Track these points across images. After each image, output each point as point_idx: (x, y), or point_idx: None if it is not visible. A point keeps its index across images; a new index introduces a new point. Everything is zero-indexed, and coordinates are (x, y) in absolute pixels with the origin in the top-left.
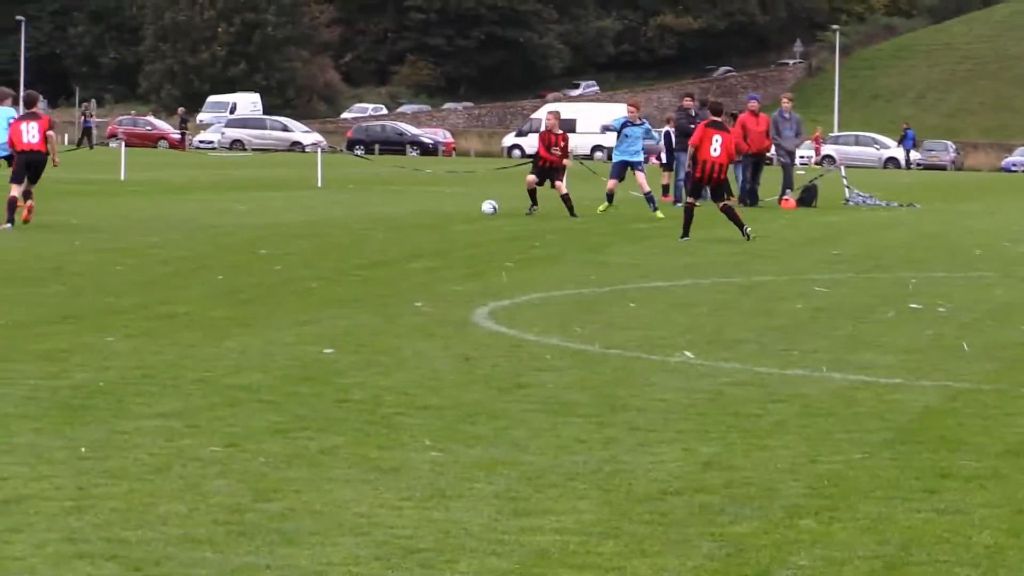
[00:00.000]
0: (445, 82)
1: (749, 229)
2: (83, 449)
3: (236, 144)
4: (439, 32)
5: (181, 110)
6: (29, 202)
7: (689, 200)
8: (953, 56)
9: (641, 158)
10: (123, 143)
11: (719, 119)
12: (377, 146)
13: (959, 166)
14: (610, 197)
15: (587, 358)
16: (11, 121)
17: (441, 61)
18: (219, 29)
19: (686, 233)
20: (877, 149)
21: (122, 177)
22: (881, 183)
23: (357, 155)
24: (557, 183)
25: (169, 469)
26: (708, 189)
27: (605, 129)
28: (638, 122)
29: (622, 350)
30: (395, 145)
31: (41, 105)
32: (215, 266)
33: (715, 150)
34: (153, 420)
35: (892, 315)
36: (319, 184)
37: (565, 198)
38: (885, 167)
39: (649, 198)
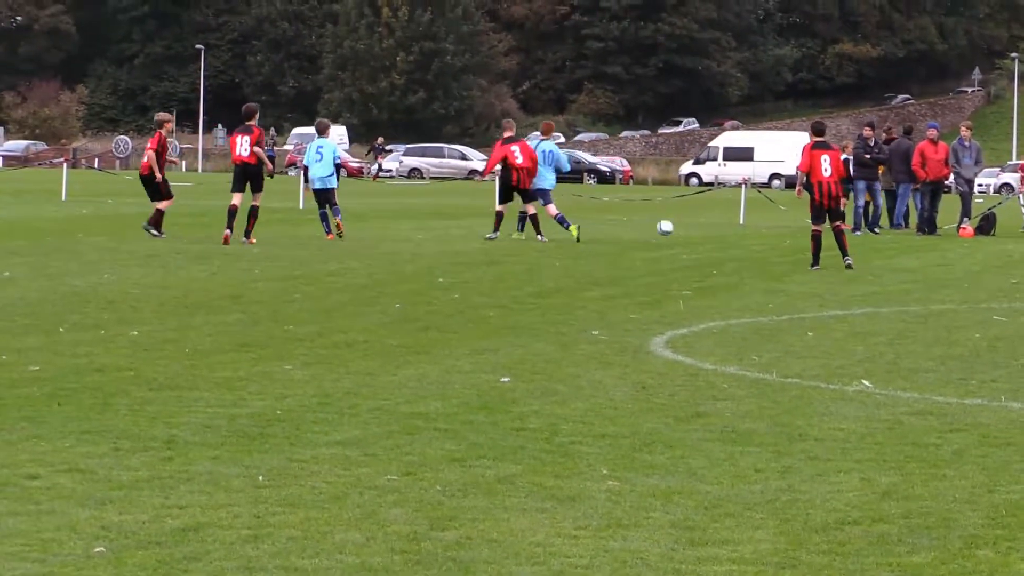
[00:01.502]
0: (623, 110)
1: (851, 260)
2: (260, 477)
3: (414, 172)
4: (617, 60)
5: (380, 140)
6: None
7: (815, 227)
8: None
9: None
10: (301, 171)
11: (824, 139)
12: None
13: None
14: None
15: (765, 387)
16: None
17: (619, 89)
18: (398, 58)
19: (816, 261)
20: None
21: (300, 206)
22: None
23: None
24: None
25: (346, 497)
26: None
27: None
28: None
29: (800, 379)
30: (572, 173)
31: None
32: (393, 294)
33: (826, 170)
34: (330, 448)
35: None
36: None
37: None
38: None
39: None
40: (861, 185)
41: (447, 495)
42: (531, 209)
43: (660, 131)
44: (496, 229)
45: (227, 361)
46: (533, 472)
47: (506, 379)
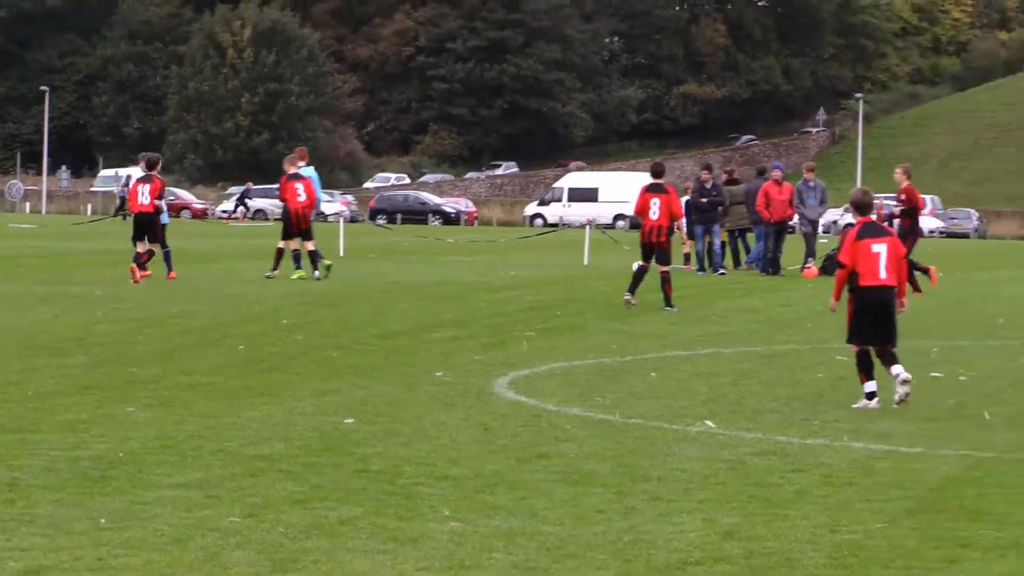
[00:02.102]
0: (468, 151)
1: (675, 310)
2: (102, 520)
3: (259, 214)
4: (462, 102)
5: (249, 184)
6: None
7: (642, 264)
8: (977, 124)
9: None
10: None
11: (660, 181)
12: (399, 215)
13: (982, 234)
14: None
15: (608, 428)
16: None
17: (464, 130)
18: (243, 99)
19: (631, 290)
20: None
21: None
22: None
23: (379, 225)
24: None
25: (188, 540)
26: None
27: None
28: None
29: (643, 419)
30: (417, 214)
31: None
32: (237, 335)
33: (654, 213)
34: (172, 490)
35: (913, 384)
36: (341, 253)
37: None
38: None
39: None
40: (699, 230)
41: (289, 537)
42: (309, 246)
43: (468, 175)
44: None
45: (70, 403)
46: (375, 514)
47: (349, 420)
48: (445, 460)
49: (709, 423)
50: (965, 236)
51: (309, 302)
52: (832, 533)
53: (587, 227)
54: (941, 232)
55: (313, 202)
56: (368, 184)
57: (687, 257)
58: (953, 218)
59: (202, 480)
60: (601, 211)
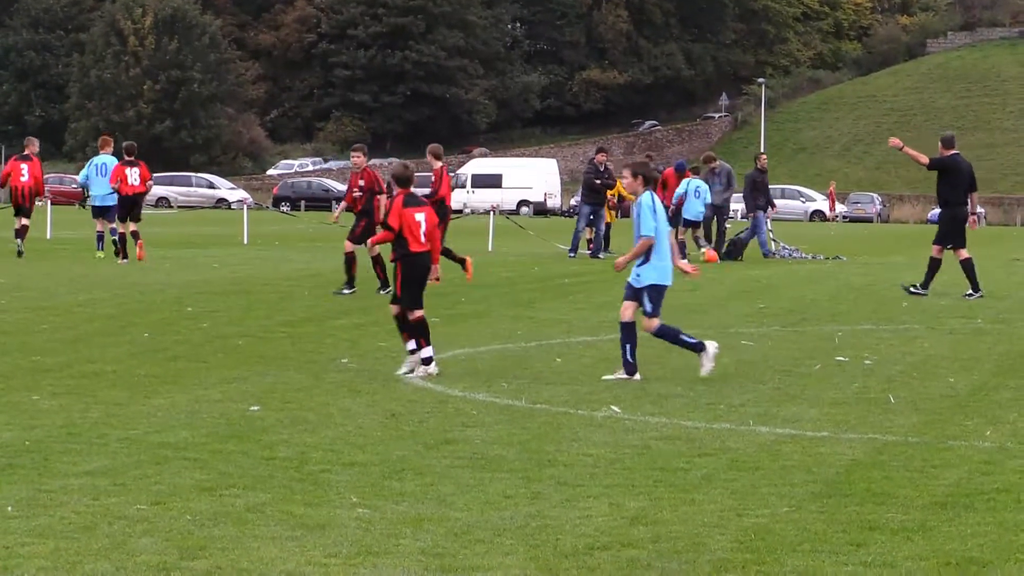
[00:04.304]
0: (371, 138)
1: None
2: (9, 508)
3: (162, 201)
4: (364, 88)
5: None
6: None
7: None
8: (879, 109)
9: None
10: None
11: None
12: (303, 202)
13: (885, 219)
14: None
15: (514, 413)
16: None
17: (367, 117)
18: (144, 87)
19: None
20: (803, 202)
21: (48, 236)
22: (807, 236)
23: (283, 212)
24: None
25: (95, 528)
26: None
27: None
28: None
29: (549, 405)
30: (322, 201)
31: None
32: (141, 324)
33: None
34: (79, 479)
35: (818, 368)
36: (245, 241)
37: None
38: (811, 220)
39: None
40: (586, 209)
41: (197, 524)
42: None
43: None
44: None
45: None
46: (283, 500)
47: (256, 408)
48: (352, 447)
49: (615, 408)
50: (868, 220)
51: (213, 290)
52: (739, 517)
53: (491, 213)
54: (845, 217)
55: (37, 183)
56: (271, 171)
57: (589, 243)
58: (856, 202)
59: (108, 468)
60: (505, 197)
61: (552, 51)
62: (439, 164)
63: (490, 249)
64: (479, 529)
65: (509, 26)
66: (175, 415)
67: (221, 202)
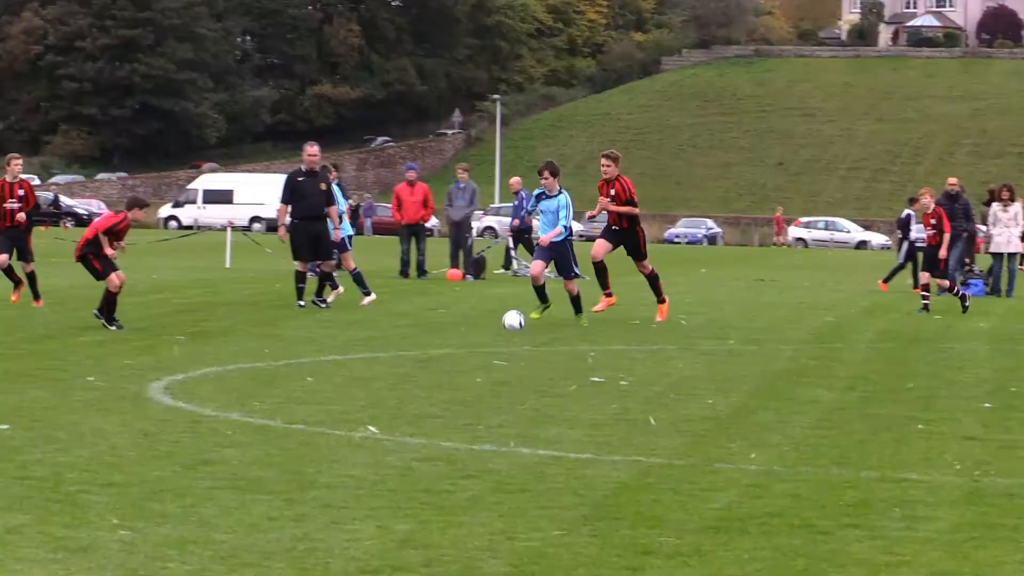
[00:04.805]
0: (99, 152)
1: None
2: None
3: None
4: (92, 101)
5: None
6: None
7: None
8: (614, 126)
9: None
10: None
11: None
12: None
13: None
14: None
15: (270, 433)
16: None
17: (95, 131)
18: None
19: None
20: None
21: None
22: None
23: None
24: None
25: None
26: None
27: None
28: None
29: (305, 424)
30: (51, 216)
31: None
32: None
33: None
34: None
35: (575, 388)
36: None
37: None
38: None
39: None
40: None
41: None
42: None
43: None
44: None
45: None
46: (41, 522)
47: (5, 427)
48: (107, 467)
49: (372, 428)
50: None
51: None
52: (510, 540)
53: (227, 229)
54: (581, 236)
55: None
56: None
57: None
58: (593, 222)
59: None
60: (237, 213)
61: (283, 65)
62: None
63: (227, 265)
64: (246, 552)
65: (239, 39)
66: None
67: None
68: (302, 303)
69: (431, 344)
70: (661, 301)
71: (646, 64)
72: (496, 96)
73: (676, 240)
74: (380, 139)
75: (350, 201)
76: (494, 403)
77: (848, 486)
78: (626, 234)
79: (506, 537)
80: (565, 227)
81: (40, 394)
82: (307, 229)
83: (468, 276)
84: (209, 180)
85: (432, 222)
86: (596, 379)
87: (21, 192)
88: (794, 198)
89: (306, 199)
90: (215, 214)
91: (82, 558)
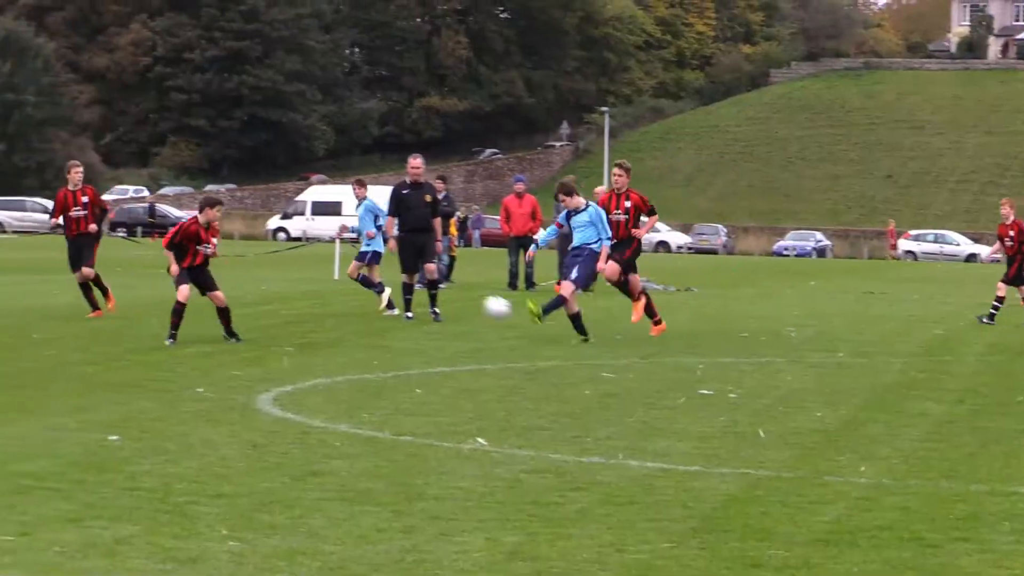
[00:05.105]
0: (207, 163)
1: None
2: None
3: None
4: (201, 113)
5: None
6: None
7: None
8: (722, 139)
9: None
10: None
11: None
12: (140, 228)
13: (731, 250)
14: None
15: (378, 445)
16: None
17: (203, 142)
18: None
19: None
20: (648, 233)
21: None
22: (655, 267)
23: (121, 237)
24: None
25: None
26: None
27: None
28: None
29: (413, 436)
30: (159, 228)
31: None
32: None
33: None
34: None
35: (683, 401)
36: None
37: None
38: (656, 251)
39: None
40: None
41: (66, 557)
42: None
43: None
44: None
45: None
46: (151, 532)
47: (114, 438)
48: (216, 478)
49: (481, 440)
50: (713, 252)
51: (58, 316)
52: (619, 553)
53: (338, 239)
54: (690, 248)
55: None
56: (106, 197)
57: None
58: (701, 233)
59: None
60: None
61: (391, 77)
62: None
63: (336, 277)
64: (355, 564)
65: (348, 51)
66: (31, 444)
67: (57, 227)
68: (410, 314)
69: (539, 356)
70: (636, 300)
71: (754, 76)
72: (604, 108)
73: (785, 253)
74: (488, 151)
75: (458, 213)
76: (602, 415)
77: (957, 499)
78: (625, 242)
79: (615, 549)
80: (608, 238)
81: (148, 405)
82: (412, 241)
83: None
84: (317, 192)
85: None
86: (705, 391)
87: (85, 199)
88: (903, 211)
89: (411, 211)
90: (323, 226)
91: (191, 569)
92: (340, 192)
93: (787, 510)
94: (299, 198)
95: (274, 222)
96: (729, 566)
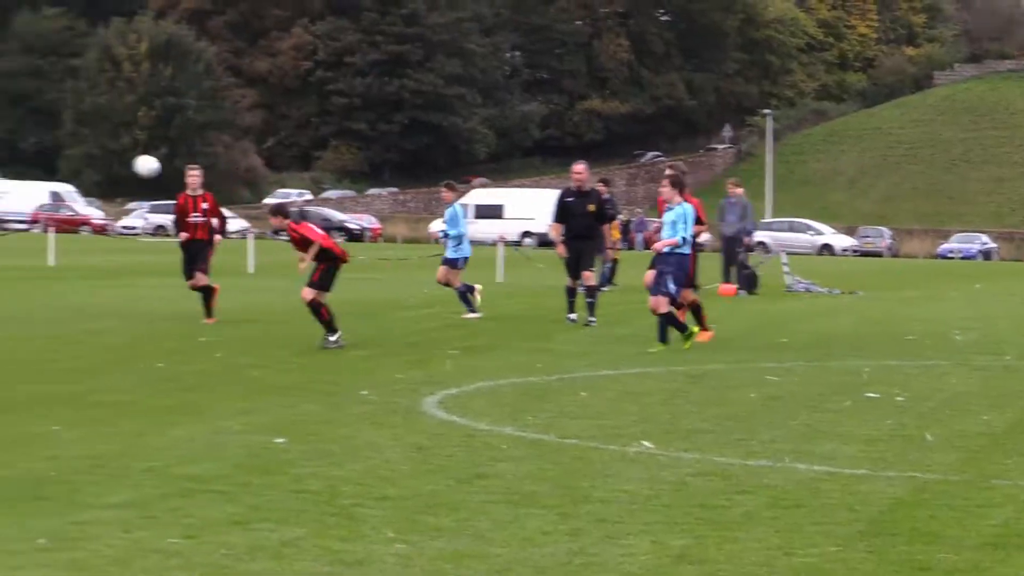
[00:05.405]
0: (369, 167)
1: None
2: (42, 540)
3: (160, 230)
4: (362, 117)
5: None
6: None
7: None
8: (885, 141)
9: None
10: (47, 228)
11: None
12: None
13: (895, 252)
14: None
15: (543, 448)
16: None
17: (364, 146)
18: (139, 113)
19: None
20: (811, 235)
21: (51, 262)
22: (819, 270)
23: (284, 241)
24: None
25: (130, 562)
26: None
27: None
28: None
29: (578, 439)
30: (327, 231)
31: None
32: (154, 353)
33: None
34: (108, 511)
35: (849, 404)
36: (251, 270)
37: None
38: (820, 253)
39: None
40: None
41: (233, 559)
42: None
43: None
44: None
45: None
46: (317, 535)
47: (280, 440)
48: (382, 480)
49: (646, 443)
50: (878, 255)
51: (224, 319)
52: (787, 556)
53: (498, 244)
54: (854, 251)
55: None
56: (268, 200)
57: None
58: (866, 236)
59: (136, 500)
60: (507, 227)
61: (552, 80)
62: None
63: (499, 280)
64: (521, 566)
65: (508, 54)
66: (197, 446)
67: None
68: (573, 316)
69: (702, 359)
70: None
71: (918, 78)
72: (767, 111)
73: (950, 255)
74: (650, 154)
75: (620, 216)
76: (767, 418)
77: None
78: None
79: (783, 553)
80: (684, 238)
81: (313, 408)
82: (573, 247)
83: (741, 291)
84: (479, 195)
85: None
86: (871, 394)
87: (205, 205)
88: None
89: (575, 218)
90: (485, 229)
91: (357, 571)
92: (501, 195)
93: (955, 514)
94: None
95: (436, 225)
96: (897, 570)
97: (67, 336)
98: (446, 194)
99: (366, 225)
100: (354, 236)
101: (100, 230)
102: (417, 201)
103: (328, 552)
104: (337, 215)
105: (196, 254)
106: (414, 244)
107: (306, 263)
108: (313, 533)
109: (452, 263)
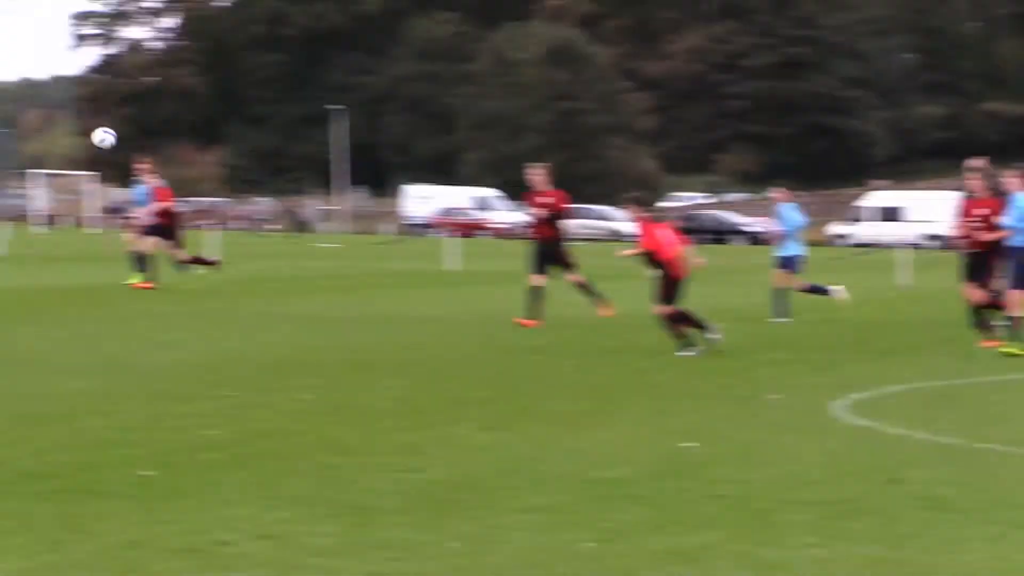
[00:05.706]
0: (766, 170)
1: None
2: (455, 544)
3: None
4: (757, 119)
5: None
6: None
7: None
8: None
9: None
10: (454, 233)
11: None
12: (708, 236)
13: None
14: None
15: (958, 453)
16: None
17: (761, 149)
18: (534, 118)
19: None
20: None
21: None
22: None
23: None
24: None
25: (548, 566)
26: None
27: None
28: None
29: (996, 444)
30: (725, 234)
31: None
32: (565, 359)
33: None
34: (522, 515)
35: None
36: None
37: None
38: None
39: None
40: None
41: (650, 563)
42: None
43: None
44: None
45: (404, 426)
46: (734, 539)
47: (692, 444)
48: (796, 484)
49: None
50: None
51: (634, 324)
52: None
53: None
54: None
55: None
56: (663, 203)
57: None
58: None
59: (549, 504)
60: (907, 230)
61: (950, 82)
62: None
63: (903, 283)
64: (942, 573)
65: (904, 56)
66: (609, 451)
67: (614, 234)
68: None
69: None
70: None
71: None
72: None
73: None
74: None
75: None
76: None
77: None
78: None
79: None
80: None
81: (723, 412)
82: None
83: None
84: (878, 197)
85: None
86: None
87: (550, 200)
88: None
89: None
90: (885, 231)
91: None
92: (901, 197)
93: None
94: (859, 203)
95: (838, 228)
96: None
97: (476, 339)
98: (777, 195)
99: (761, 229)
100: (755, 240)
101: (500, 234)
102: (816, 203)
103: (746, 557)
104: (731, 218)
105: (545, 253)
106: (814, 247)
107: (627, 256)
108: (729, 537)
109: (789, 264)
